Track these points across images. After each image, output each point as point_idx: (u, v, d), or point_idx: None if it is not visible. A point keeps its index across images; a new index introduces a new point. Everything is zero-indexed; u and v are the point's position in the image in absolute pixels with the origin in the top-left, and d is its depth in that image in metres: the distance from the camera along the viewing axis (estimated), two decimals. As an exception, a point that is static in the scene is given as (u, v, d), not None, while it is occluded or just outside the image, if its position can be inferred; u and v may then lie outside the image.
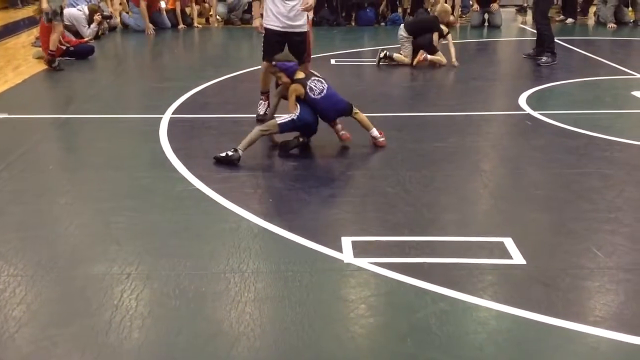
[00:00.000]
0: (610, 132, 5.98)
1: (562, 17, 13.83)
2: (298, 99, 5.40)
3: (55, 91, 8.15)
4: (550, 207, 4.49)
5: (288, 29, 6.16)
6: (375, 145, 5.57)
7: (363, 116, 5.66)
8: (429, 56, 9.01)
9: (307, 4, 6.00)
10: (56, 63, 8.73)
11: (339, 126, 5.64)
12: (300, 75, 5.52)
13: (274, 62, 5.64)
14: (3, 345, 2.95)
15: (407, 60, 9.02)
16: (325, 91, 5.45)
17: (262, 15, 6.32)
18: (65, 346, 2.95)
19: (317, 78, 5.55)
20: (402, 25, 9.44)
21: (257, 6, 6.56)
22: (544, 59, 8.96)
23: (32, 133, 6.10)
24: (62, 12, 8.88)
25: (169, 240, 3.96)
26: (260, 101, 6.48)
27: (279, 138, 5.53)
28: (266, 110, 6.39)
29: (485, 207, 4.62)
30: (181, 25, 12.53)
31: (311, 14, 6.44)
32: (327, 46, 10.35)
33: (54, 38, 8.68)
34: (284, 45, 6.15)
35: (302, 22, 6.22)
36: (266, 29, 6.24)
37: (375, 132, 5.58)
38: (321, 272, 3.61)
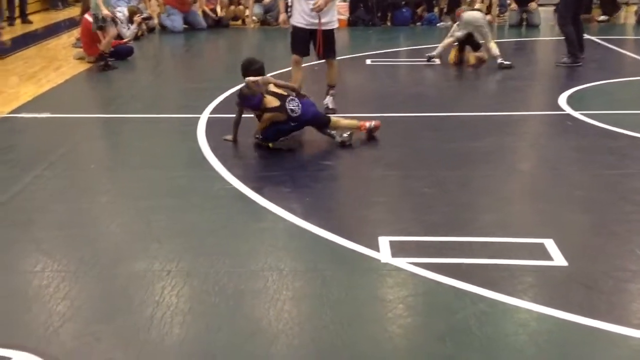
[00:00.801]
0: (652, 132, 5.86)
1: (603, 17, 13.58)
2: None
3: (96, 91, 8.29)
4: (592, 208, 4.42)
5: (313, 26, 6.39)
6: (372, 132, 5.67)
7: (343, 121, 5.68)
8: (476, 54, 9.00)
9: (317, 4, 6.24)
10: (107, 63, 8.87)
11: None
12: (273, 102, 5.50)
13: (237, 103, 5.73)
14: (47, 340, 3.01)
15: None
16: (301, 106, 5.51)
17: (287, 10, 6.81)
18: (108, 342, 3.00)
19: (290, 97, 5.56)
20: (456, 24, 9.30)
21: (282, 3, 7.08)
22: (563, 59, 8.73)
23: (73, 132, 6.22)
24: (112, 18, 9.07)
25: (207, 239, 4.00)
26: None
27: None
28: None
29: (525, 207, 4.57)
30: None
31: (341, 15, 6.59)
32: (363, 46, 10.33)
33: (107, 41, 8.90)
34: (309, 42, 6.50)
35: (327, 20, 6.40)
36: (293, 26, 6.56)
37: (366, 124, 5.66)
38: (358, 272, 3.61)
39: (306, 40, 6.52)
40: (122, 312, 3.23)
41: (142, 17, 11.36)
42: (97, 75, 8.75)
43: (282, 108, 5.39)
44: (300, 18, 6.46)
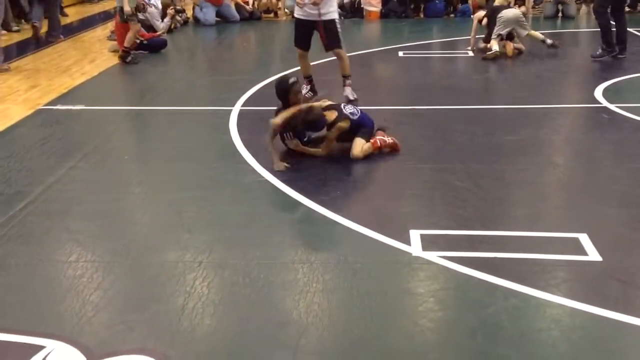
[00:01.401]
0: (692, 125, 5.73)
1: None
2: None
3: (130, 84, 8.38)
4: (627, 202, 4.33)
5: (311, 17, 6.48)
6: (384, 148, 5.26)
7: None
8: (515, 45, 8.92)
9: (313, 1, 6.34)
10: (129, 58, 8.97)
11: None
12: (332, 115, 5.22)
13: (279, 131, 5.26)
14: (81, 329, 3.06)
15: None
16: (354, 109, 5.40)
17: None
18: (140, 331, 3.03)
19: (341, 104, 5.43)
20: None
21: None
22: (599, 51, 8.48)
23: (107, 124, 6.29)
24: (138, 11, 9.10)
25: (239, 230, 4.02)
26: (303, 85, 6.71)
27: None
28: (306, 93, 6.72)
29: (559, 201, 4.50)
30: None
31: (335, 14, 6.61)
32: (395, 38, 10.27)
33: (129, 36, 8.96)
34: (311, 34, 6.64)
35: (325, 10, 6.45)
36: (295, 18, 6.72)
37: (377, 142, 5.22)
38: (389, 265, 3.60)
39: (307, 33, 6.63)
40: (154, 302, 3.26)
41: (174, 9, 11.44)
42: (131, 68, 8.84)
43: (342, 115, 5.23)
44: (299, 9, 6.60)
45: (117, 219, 4.26)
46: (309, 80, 6.94)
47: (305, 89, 6.75)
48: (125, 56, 8.97)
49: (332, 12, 6.56)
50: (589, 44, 11.03)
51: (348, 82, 6.71)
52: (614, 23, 8.53)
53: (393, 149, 5.26)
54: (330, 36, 6.52)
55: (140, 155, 5.69)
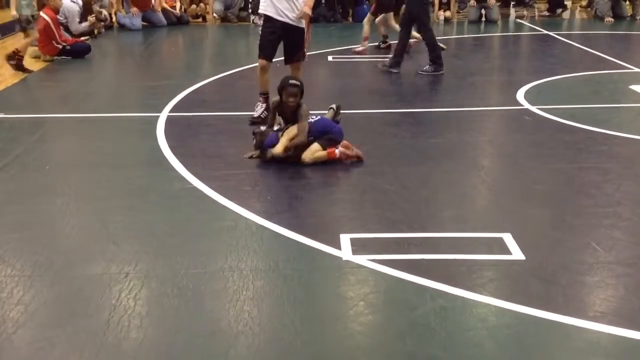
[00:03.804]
0: (608, 126, 5.97)
1: (546, 13, 13.92)
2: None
3: (52, 90, 8.11)
4: (549, 202, 4.47)
5: (294, 22, 6.01)
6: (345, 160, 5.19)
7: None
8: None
9: (304, 14, 5.95)
10: (14, 61, 8.52)
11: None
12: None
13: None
14: (0, 347, 2.93)
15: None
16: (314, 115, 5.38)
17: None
18: (63, 347, 2.93)
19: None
20: None
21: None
22: (426, 67, 8.33)
23: (29, 133, 6.07)
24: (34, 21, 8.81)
25: (167, 239, 3.94)
26: (258, 103, 6.28)
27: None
28: (262, 114, 6.18)
29: (484, 202, 4.61)
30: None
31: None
32: (324, 43, 10.32)
33: (24, 42, 8.68)
34: (280, 40, 6.11)
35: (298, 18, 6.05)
36: (269, 20, 6.06)
37: (335, 152, 5.15)
38: (320, 270, 3.60)
39: (277, 40, 6.11)
40: (77, 316, 3.16)
41: (98, 17, 11.14)
42: (54, 75, 8.59)
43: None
44: (280, 11, 5.99)
45: (39, 230, 4.12)
46: (266, 97, 6.16)
47: (260, 109, 6.20)
48: (18, 64, 8.48)
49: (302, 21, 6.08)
50: (511, 47, 11.40)
51: None
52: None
53: (357, 159, 5.15)
54: (303, 45, 6.12)
55: (63, 164, 5.51)
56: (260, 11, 6.24)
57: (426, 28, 8.36)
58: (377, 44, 10.16)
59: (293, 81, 5.33)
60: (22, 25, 8.62)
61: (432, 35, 8.30)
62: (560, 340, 2.97)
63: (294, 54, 6.18)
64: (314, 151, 5.13)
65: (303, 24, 6.11)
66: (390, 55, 8.70)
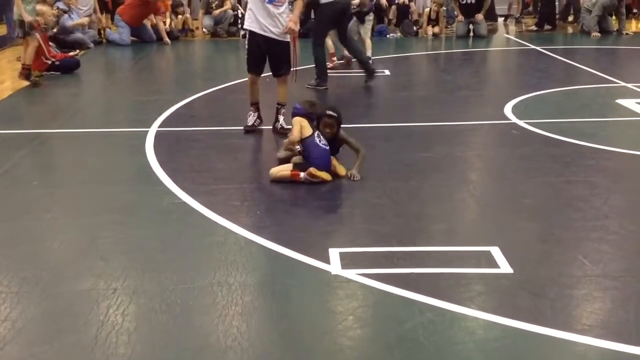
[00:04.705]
0: (596, 140, 6.02)
1: (534, 27, 14.06)
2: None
3: (41, 106, 8.09)
4: (537, 215, 4.50)
5: (267, 33, 6.09)
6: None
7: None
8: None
9: (289, 29, 6.02)
10: (32, 77, 8.61)
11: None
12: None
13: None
14: (-13, 363, 2.91)
15: None
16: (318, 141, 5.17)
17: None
18: (50, 363, 2.91)
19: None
20: None
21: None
22: (312, 81, 8.35)
23: (17, 149, 6.05)
24: (32, 29, 8.74)
25: (155, 255, 3.94)
26: (250, 112, 6.45)
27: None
28: (255, 122, 6.40)
29: (473, 216, 4.63)
30: (166, 39, 12.49)
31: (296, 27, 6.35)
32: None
33: (29, 51, 8.65)
34: (266, 53, 6.20)
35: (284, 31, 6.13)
36: (252, 35, 6.16)
37: (300, 175, 5.02)
38: (309, 284, 3.60)
39: (263, 54, 6.20)
40: (65, 332, 3.14)
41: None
42: (42, 90, 8.56)
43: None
44: (261, 25, 6.08)
45: (27, 246, 4.09)
46: (257, 107, 6.40)
47: (252, 117, 6.36)
48: (27, 74, 8.59)
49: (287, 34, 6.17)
50: (499, 62, 11.49)
51: (283, 110, 6.32)
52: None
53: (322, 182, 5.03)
54: (288, 58, 6.22)
55: (51, 180, 5.50)
56: (245, 27, 6.35)
57: (316, 43, 8.42)
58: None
59: (330, 112, 5.21)
60: (26, 30, 8.57)
61: (322, 52, 8.46)
62: (548, 353, 2.98)
63: (280, 68, 6.29)
64: (281, 169, 5.07)
65: (288, 38, 6.16)
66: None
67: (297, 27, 6.12)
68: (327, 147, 5.14)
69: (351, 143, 5.30)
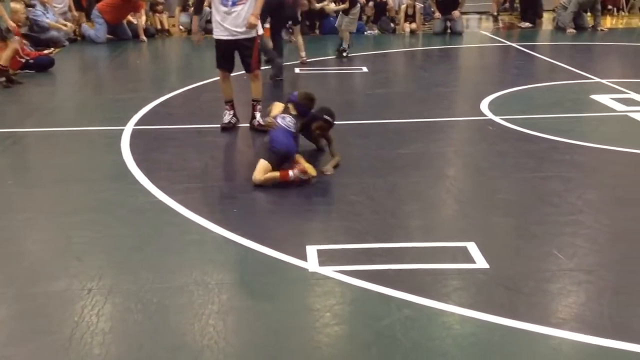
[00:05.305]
0: (570, 135, 6.07)
1: (525, 23, 14.12)
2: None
3: (14, 105, 7.98)
4: (513, 211, 4.53)
5: (234, 35, 6.16)
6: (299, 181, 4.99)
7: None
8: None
9: (250, 24, 6.06)
10: (3, 78, 8.49)
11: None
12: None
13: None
14: (-41, 366, 2.87)
15: None
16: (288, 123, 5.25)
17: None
18: (24, 365, 2.88)
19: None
20: None
21: (195, 20, 6.75)
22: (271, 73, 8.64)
23: (-10, 148, 5.98)
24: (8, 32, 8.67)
25: (131, 254, 3.90)
26: (225, 110, 6.46)
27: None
28: (231, 119, 6.39)
29: (449, 212, 4.65)
30: (142, 37, 12.41)
31: (260, 30, 6.45)
32: (291, 55, 10.32)
33: (7, 54, 8.53)
34: (234, 53, 6.28)
35: (247, 29, 6.15)
36: (215, 40, 6.29)
37: (289, 174, 4.94)
38: (286, 282, 3.59)
39: (229, 53, 6.28)
40: (39, 333, 3.11)
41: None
42: (16, 89, 8.45)
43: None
44: (220, 29, 6.18)
45: (1, 247, 4.04)
46: (231, 105, 6.44)
47: (228, 115, 6.39)
48: (6, 79, 8.47)
49: (259, 27, 6.30)
50: (476, 58, 11.56)
51: (259, 107, 6.38)
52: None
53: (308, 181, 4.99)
54: (256, 55, 6.27)
55: (26, 179, 5.43)
56: (213, 36, 6.36)
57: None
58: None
59: (328, 118, 5.44)
60: (3, 34, 8.48)
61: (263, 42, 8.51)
62: (523, 347, 3.01)
63: (249, 64, 6.33)
64: (264, 170, 4.92)
65: (253, 34, 6.21)
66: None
67: (257, 22, 6.18)
68: (291, 129, 5.21)
69: (332, 145, 5.41)
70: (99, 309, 3.29)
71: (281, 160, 5.02)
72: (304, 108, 5.44)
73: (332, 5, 11.28)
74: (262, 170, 4.93)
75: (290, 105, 5.42)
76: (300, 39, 9.87)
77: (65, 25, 11.93)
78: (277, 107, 5.46)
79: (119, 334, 3.11)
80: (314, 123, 5.44)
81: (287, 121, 5.23)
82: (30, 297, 3.45)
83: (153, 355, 2.93)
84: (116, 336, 3.09)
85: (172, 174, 5.19)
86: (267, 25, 8.55)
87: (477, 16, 15.98)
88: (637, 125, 6.52)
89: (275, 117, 5.26)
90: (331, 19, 12.99)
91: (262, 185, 4.90)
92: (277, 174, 4.94)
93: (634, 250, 3.93)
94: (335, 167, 5.28)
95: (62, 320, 3.20)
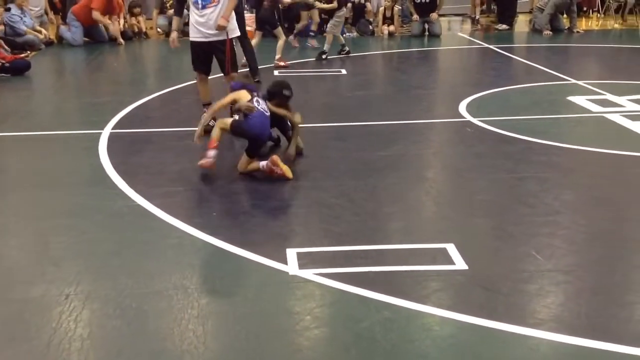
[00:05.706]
0: (547, 136, 6.13)
1: (502, 25, 14.23)
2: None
3: (-10, 108, 7.90)
4: (491, 212, 4.56)
5: (207, 38, 6.22)
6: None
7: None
8: None
9: (219, 26, 6.11)
10: None
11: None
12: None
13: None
14: None
15: None
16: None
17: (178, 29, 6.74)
18: (0, 373, 2.84)
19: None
20: None
21: (175, 21, 6.83)
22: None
23: (-35, 152, 5.90)
24: None
25: (109, 259, 3.87)
26: (203, 113, 6.41)
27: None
28: (209, 122, 6.35)
29: (428, 214, 4.68)
30: (120, 40, 12.33)
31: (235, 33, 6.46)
32: (270, 58, 10.32)
33: None
34: (209, 55, 6.35)
35: (228, 28, 6.21)
36: (190, 42, 6.38)
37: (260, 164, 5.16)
38: (266, 285, 3.58)
39: (205, 55, 6.35)
40: (16, 340, 3.07)
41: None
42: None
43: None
44: (195, 31, 6.24)
45: (-24, 253, 3.99)
46: (209, 107, 6.35)
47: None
48: None
49: (233, 29, 6.35)
50: (454, 60, 11.63)
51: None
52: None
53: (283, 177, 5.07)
54: (232, 57, 6.33)
55: (2, 184, 5.36)
56: (190, 38, 6.41)
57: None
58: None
59: (287, 92, 5.59)
60: None
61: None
62: (501, 348, 3.03)
63: (224, 67, 6.37)
64: (246, 162, 5.18)
65: (224, 36, 6.23)
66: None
67: (227, 24, 6.18)
68: (268, 113, 5.34)
69: (295, 129, 5.55)
70: (77, 315, 3.26)
71: (254, 144, 5.20)
72: (250, 86, 5.65)
73: (318, 3, 11.31)
74: (245, 162, 5.18)
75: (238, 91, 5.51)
76: (281, 42, 9.84)
77: (41, 32, 11.80)
78: (243, 94, 5.42)
79: (98, 340, 3.09)
80: (273, 100, 5.53)
81: (262, 105, 5.34)
82: (7, 303, 3.41)
83: (132, 361, 2.91)
84: (95, 342, 3.06)
85: (151, 178, 5.16)
86: (250, 28, 8.53)
87: (455, 18, 16.08)
88: (613, 126, 6.60)
89: (250, 101, 5.31)
90: (310, 22, 13.01)
91: (245, 178, 5.14)
92: (257, 164, 5.15)
93: (611, 250, 3.98)
94: (299, 153, 5.53)
95: (39, 327, 3.17)
